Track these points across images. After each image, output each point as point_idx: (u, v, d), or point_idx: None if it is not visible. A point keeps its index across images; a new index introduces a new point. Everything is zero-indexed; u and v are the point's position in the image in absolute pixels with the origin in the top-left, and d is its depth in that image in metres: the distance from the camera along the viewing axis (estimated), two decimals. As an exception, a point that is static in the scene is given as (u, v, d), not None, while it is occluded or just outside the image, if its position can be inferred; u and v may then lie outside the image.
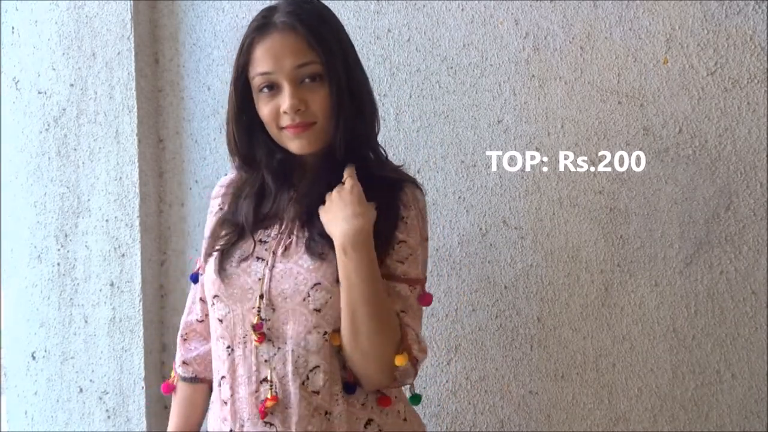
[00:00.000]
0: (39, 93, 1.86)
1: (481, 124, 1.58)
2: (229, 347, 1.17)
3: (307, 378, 1.13)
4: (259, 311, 1.14)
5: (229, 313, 1.17)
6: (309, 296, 1.12)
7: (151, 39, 1.82)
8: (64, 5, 1.83)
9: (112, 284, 1.82)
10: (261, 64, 1.14)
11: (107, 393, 1.84)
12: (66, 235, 1.85)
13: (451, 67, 1.59)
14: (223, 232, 1.23)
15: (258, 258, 1.17)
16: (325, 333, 1.13)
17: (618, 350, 1.53)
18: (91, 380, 1.85)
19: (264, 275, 1.15)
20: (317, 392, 1.13)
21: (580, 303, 1.54)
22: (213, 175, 1.79)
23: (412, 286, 1.16)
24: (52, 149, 1.86)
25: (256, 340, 1.13)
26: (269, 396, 1.13)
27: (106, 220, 1.81)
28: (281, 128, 1.16)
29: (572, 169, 1.53)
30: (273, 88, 1.14)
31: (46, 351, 1.88)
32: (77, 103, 1.83)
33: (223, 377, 1.18)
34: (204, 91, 1.80)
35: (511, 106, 1.56)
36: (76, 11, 1.82)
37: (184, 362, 1.33)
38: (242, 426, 1.15)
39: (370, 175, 1.18)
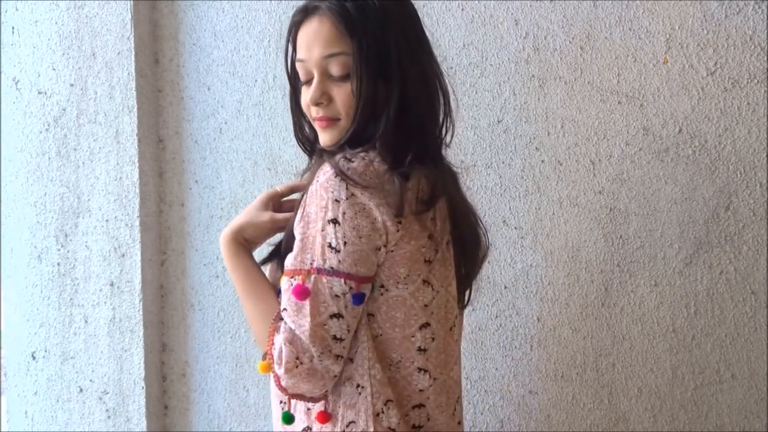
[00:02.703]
0: (39, 93, 1.86)
1: (481, 124, 1.58)
2: None
3: None
4: None
5: None
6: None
7: (151, 39, 1.82)
8: (64, 5, 1.83)
9: (112, 284, 1.82)
10: (299, 50, 1.10)
11: (107, 393, 1.84)
12: (66, 235, 1.85)
13: (451, 67, 1.59)
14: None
15: None
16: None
17: (618, 350, 1.53)
18: (91, 380, 1.85)
19: None
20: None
21: (579, 303, 1.54)
22: (213, 175, 1.79)
23: (291, 278, 1.03)
24: (52, 149, 1.86)
25: None
26: None
27: (106, 220, 1.81)
28: (313, 119, 1.12)
29: (572, 169, 1.53)
30: (309, 78, 1.09)
31: (46, 351, 1.89)
32: (77, 103, 1.83)
33: None
34: (204, 91, 1.80)
35: (511, 106, 1.56)
36: (76, 11, 1.82)
37: None
38: None
39: None
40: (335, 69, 1.06)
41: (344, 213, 0.99)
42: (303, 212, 1.03)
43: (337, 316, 1.01)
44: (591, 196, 1.53)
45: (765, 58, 1.42)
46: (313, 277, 1.01)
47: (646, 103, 1.49)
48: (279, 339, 1.02)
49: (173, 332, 1.85)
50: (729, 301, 1.47)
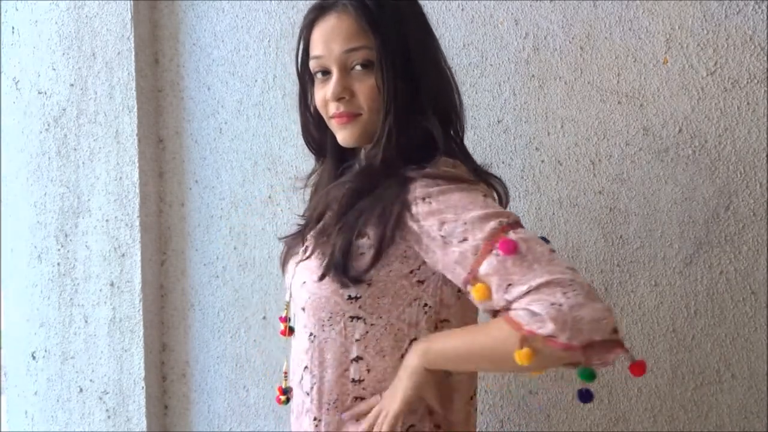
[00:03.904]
0: (39, 93, 1.86)
1: (481, 124, 1.58)
2: (281, 332, 1.24)
3: (302, 377, 1.14)
4: (287, 306, 1.19)
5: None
6: (299, 294, 1.12)
7: (151, 39, 1.82)
8: (64, 5, 1.83)
9: (112, 284, 1.82)
10: (314, 47, 1.09)
11: (107, 393, 1.84)
12: (66, 235, 1.85)
13: (451, 67, 1.59)
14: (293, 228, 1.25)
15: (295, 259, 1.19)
16: (311, 335, 1.10)
17: (618, 350, 1.53)
18: (91, 380, 1.85)
19: (293, 273, 1.17)
20: (308, 394, 1.13)
21: (580, 303, 1.54)
22: (213, 175, 1.79)
23: (492, 250, 0.96)
24: (52, 149, 1.86)
25: (280, 331, 1.21)
26: (282, 386, 1.22)
27: (106, 220, 1.81)
28: (330, 117, 1.10)
29: (572, 169, 1.53)
30: (326, 73, 1.08)
31: (46, 351, 1.89)
32: (77, 103, 1.83)
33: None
34: (204, 91, 1.80)
35: (511, 106, 1.56)
36: (76, 11, 1.82)
37: None
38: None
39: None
40: (358, 63, 1.05)
41: (486, 195, 1.05)
42: (430, 208, 1.00)
43: (549, 248, 0.99)
44: (591, 196, 1.53)
45: (765, 58, 1.42)
46: (510, 232, 0.97)
47: (646, 103, 1.49)
48: (533, 302, 0.93)
49: (173, 332, 1.85)
50: (729, 301, 1.47)
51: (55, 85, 1.85)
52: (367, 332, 1.08)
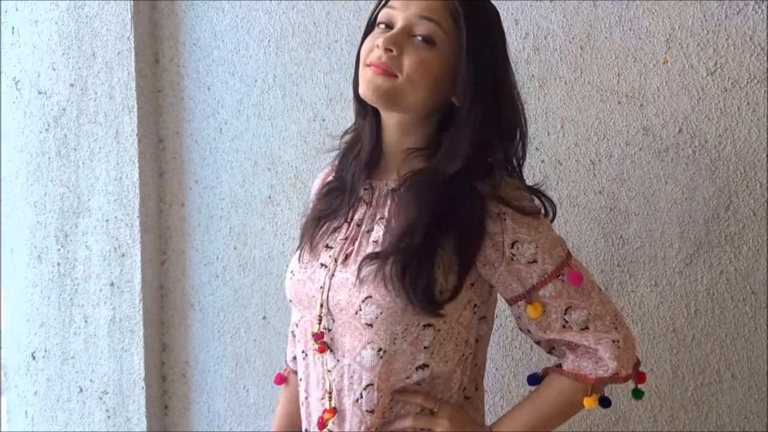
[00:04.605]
0: (39, 93, 1.86)
1: (481, 124, 1.58)
2: (303, 351, 1.16)
3: (361, 396, 1.08)
4: (320, 320, 1.10)
5: (302, 318, 1.15)
6: (360, 309, 1.05)
7: (151, 39, 1.82)
8: (64, 5, 1.83)
9: (112, 284, 1.82)
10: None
11: (107, 393, 1.84)
12: (66, 235, 1.85)
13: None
14: (303, 227, 1.20)
15: (322, 265, 1.12)
16: (380, 350, 1.05)
17: (618, 350, 1.53)
18: (91, 380, 1.85)
19: (325, 284, 1.10)
20: (371, 411, 1.08)
21: (580, 303, 1.54)
22: (213, 175, 1.79)
23: (559, 276, 1.06)
24: (52, 149, 1.86)
25: (316, 350, 1.10)
26: (327, 407, 1.11)
27: (106, 220, 1.81)
28: (367, 64, 1.05)
29: (572, 169, 1.53)
30: (388, 27, 1.05)
31: (46, 351, 1.89)
32: (77, 103, 1.83)
33: (300, 378, 1.18)
34: (204, 91, 1.80)
35: (511, 106, 1.56)
36: (76, 11, 1.82)
37: (294, 357, 1.28)
38: (310, 429, 1.16)
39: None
40: (422, 33, 1.03)
41: (546, 213, 1.11)
42: (505, 224, 1.04)
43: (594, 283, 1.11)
44: (591, 196, 1.53)
45: (765, 58, 1.42)
46: (572, 260, 1.09)
47: (646, 103, 1.49)
48: (597, 341, 1.08)
49: (173, 332, 1.85)
50: (729, 301, 1.47)
51: (55, 85, 1.85)
52: (434, 338, 1.07)
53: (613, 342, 1.07)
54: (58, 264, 1.86)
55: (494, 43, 1.08)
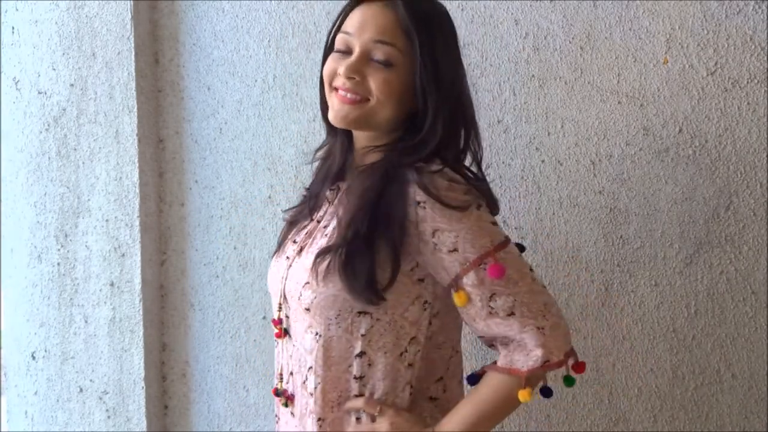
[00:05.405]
0: (39, 93, 1.86)
1: (481, 124, 1.57)
2: (276, 335, 1.23)
3: (306, 378, 1.14)
4: (279, 308, 1.18)
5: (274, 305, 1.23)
6: (301, 295, 1.12)
7: (151, 39, 1.82)
8: (64, 5, 1.83)
9: (112, 284, 1.82)
10: (349, 24, 1.11)
11: (107, 393, 1.84)
12: (66, 235, 1.85)
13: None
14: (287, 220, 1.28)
15: (286, 258, 1.20)
16: (317, 334, 1.11)
17: (618, 350, 1.53)
18: (91, 380, 1.85)
19: (284, 274, 1.18)
20: (311, 394, 1.13)
21: (580, 303, 1.54)
22: (213, 175, 1.79)
23: (480, 265, 1.06)
24: (52, 149, 1.86)
25: (275, 334, 1.19)
26: (287, 390, 1.19)
27: (106, 220, 1.81)
28: (333, 88, 1.12)
29: (572, 169, 1.53)
30: (346, 51, 1.10)
31: (46, 351, 1.89)
32: (77, 103, 1.83)
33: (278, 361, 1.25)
34: (204, 91, 1.80)
35: (511, 106, 1.56)
36: (76, 11, 1.82)
37: None
38: (278, 412, 1.24)
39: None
40: (380, 55, 1.09)
41: (480, 206, 1.09)
42: (425, 212, 1.05)
43: (531, 269, 1.10)
44: (591, 196, 1.53)
45: (765, 58, 1.42)
46: (500, 252, 1.06)
47: (646, 103, 1.49)
48: (522, 330, 1.07)
49: (173, 332, 1.85)
50: (729, 301, 1.47)
51: (55, 85, 1.85)
52: (372, 326, 1.10)
53: (538, 329, 1.06)
54: (58, 264, 1.86)
55: (447, 47, 1.13)
